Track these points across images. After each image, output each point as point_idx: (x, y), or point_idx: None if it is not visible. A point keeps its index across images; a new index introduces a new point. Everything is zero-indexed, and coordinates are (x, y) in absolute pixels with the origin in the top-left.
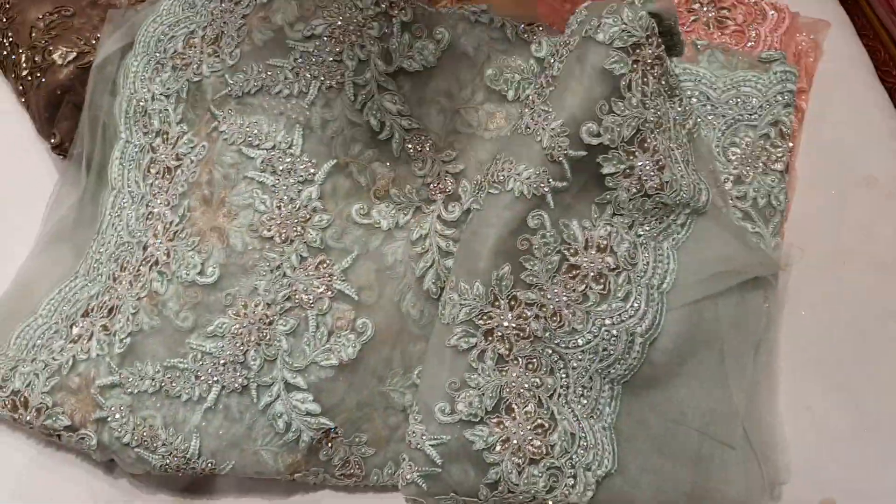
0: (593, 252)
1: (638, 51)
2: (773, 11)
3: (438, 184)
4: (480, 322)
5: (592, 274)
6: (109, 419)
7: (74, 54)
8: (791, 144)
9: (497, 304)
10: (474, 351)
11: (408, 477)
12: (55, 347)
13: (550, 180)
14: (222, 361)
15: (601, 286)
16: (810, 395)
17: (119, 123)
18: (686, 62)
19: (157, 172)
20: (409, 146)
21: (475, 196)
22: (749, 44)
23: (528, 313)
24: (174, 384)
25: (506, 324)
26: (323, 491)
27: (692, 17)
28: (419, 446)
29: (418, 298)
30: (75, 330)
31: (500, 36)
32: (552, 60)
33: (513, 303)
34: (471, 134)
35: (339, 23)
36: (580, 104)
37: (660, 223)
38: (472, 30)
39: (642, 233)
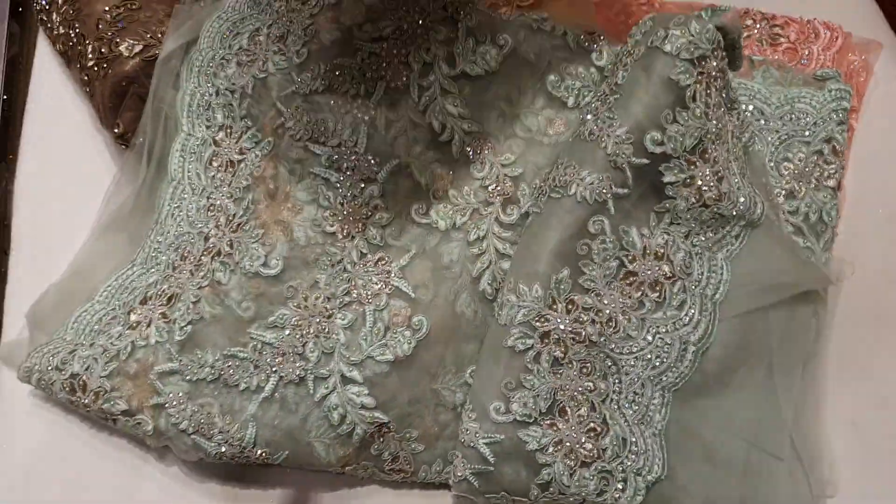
0: (651, 259)
1: (703, 63)
2: (826, 30)
3: (497, 186)
4: (537, 324)
5: (649, 281)
6: (167, 405)
7: (140, 46)
8: (843, 162)
9: (554, 307)
10: (530, 352)
11: (459, 474)
12: (113, 333)
13: (612, 186)
14: (281, 352)
15: (657, 293)
16: (855, 410)
17: (181, 117)
18: (741, 77)
19: (220, 165)
20: (469, 149)
21: (535, 200)
22: (802, 61)
23: (585, 318)
24: (233, 373)
25: (562, 327)
26: (370, 486)
27: (745, 34)
28: (473, 444)
29: (473, 299)
30: (133, 317)
31: (561, 44)
32: (616, 69)
33: (570, 306)
34: (529, 139)
35: (406, 26)
36: (645, 112)
37: (715, 234)
38: (534, 37)
39: (698, 243)
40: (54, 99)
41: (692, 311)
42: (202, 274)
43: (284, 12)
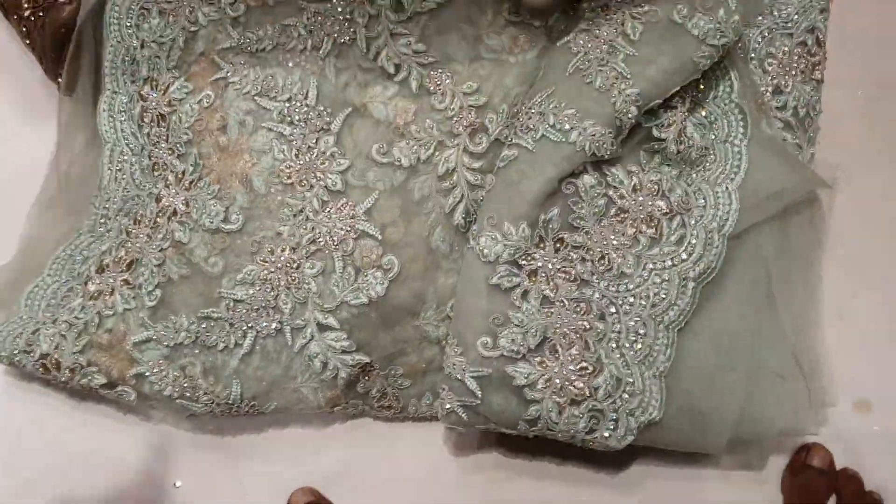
0: (643, 195)
1: (724, 49)
2: None
3: (461, 116)
4: (524, 262)
5: (643, 217)
6: (147, 374)
7: None
8: (825, 52)
9: (542, 245)
10: (517, 290)
11: (447, 406)
12: (74, 306)
13: (613, 142)
14: (255, 307)
15: (652, 229)
16: (841, 298)
17: (104, 74)
18: None
19: (151, 121)
20: (428, 81)
21: (513, 131)
22: None
23: (574, 255)
24: (209, 334)
25: (550, 265)
26: (363, 419)
27: None
28: (460, 377)
29: (448, 233)
30: (92, 286)
31: None
32: (622, 19)
33: (558, 245)
34: (495, 59)
35: None
36: (659, 82)
37: (715, 168)
38: None
39: (694, 180)
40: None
41: (692, 246)
42: (161, 235)
43: None
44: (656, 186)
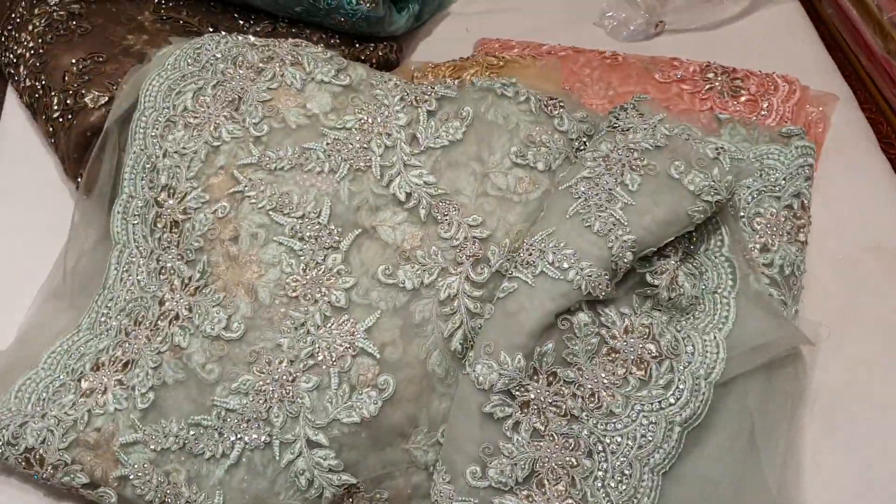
0: (634, 337)
1: (718, 205)
2: (784, 83)
3: (465, 247)
4: (518, 393)
5: (633, 358)
6: (132, 476)
7: (106, 98)
8: (810, 217)
9: (536, 377)
10: (509, 421)
11: None
12: (65, 402)
13: (608, 285)
14: (245, 418)
15: (642, 371)
16: (819, 452)
17: (123, 178)
18: (709, 134)
19: (164, 226)
20: (436, 212)
21: (514, 265)
22: (762, 113)
23: (566, 391)
24: (198, 441)
25: (542, 398)
26: None
27: (707, 86)
28: None
29: (444, 357)
30: (85, 384)
31: (525, 108)
32: (622, 170)
33: (551, 378)
34: (500, 196)
35: (367, 117)
36: (654, 231)
37: (704, 317)
38: (500, 102)
39: (683, 327)
40: (21, 150)
41: (680, 391)
42: (160, 338)
43: (230, 77)
44: (647, 330)
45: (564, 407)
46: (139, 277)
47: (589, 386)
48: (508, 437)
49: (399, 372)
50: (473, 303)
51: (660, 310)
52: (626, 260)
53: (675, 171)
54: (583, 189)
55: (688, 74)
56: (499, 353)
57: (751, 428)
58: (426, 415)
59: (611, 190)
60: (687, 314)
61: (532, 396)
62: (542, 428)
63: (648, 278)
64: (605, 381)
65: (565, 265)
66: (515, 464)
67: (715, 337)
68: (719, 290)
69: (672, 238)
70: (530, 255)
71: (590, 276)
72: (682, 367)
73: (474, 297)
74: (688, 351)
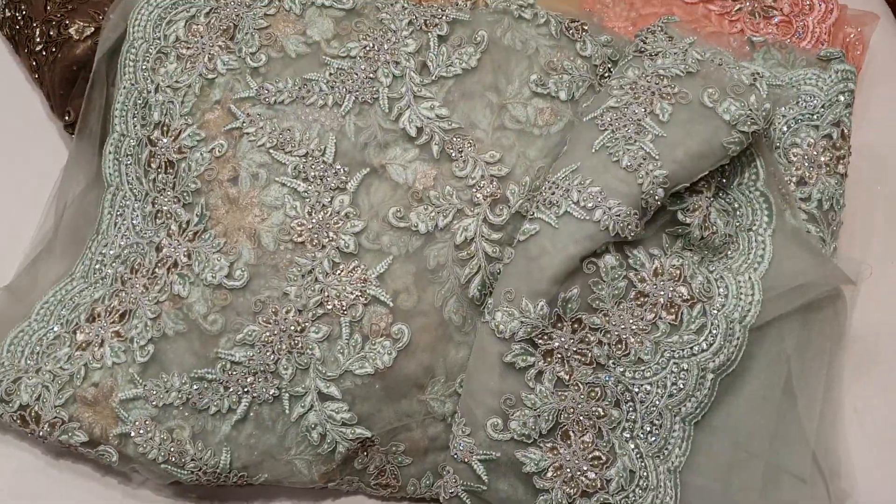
0: (664, 280)
1: (755, 135)
2: (820, 3)
3: (483, 186)
4: (540, 342)
5: (663, 302)
6: (133, 434)
7: (92, 29)
8: (850, 146)
9: (560, 325)
10: (532, 370)
11: (451, 490)
12: (60, 356)
13: (637, 223)
14: (252, 371)
15: (672, 316)
16: (857, 397)
17: (114, 115)
18: (741, 59)
19: (158, 167)
20: (450, 148)
21: (535, 204)
22: (796, 35)
23: (592, 338)
24: (202, 396)
25: (567, 346)
26: (357, 497)
27: (737, 6)
28: (466, 460)
29: (462, 304)
30: (80, 336)
31: (545, 32)
32: (652, 98)
33: (576, 325)
34: (519, 130)
35: (373, 44)
36: (687, 165)
37: (738, 257)
38: (518, 25)
39: (716, 268)
40: (3, 87)
41: (713, 336)
42: (158, 287)
43: (227, 2)
44: (678, 271)
45: (590, 355)
46: (134, 222)
47: (616, 332)
48: (531, 388)
49: (414, 320)
50: (492, 246)
51: (691, 249)
52: (657, 197)
53: (709, 99)
54: (609, 119)
55: None
56: (520, 299)
57: (787, 374)
58: (443, 364)
59: (639, 121)
60: (720, 254)
61: (556, 345)
62: (567, 377)
63: (680, 216)
64: (633, 326)
65: (591, 204)
66: (539, 415)
67: (750, 278)
68: (754, 228)
69: (706, 172)
70: (553, 193)
71: (618, 215)
72: (715, 311)
73: (493, 241)
74: (721, 293)
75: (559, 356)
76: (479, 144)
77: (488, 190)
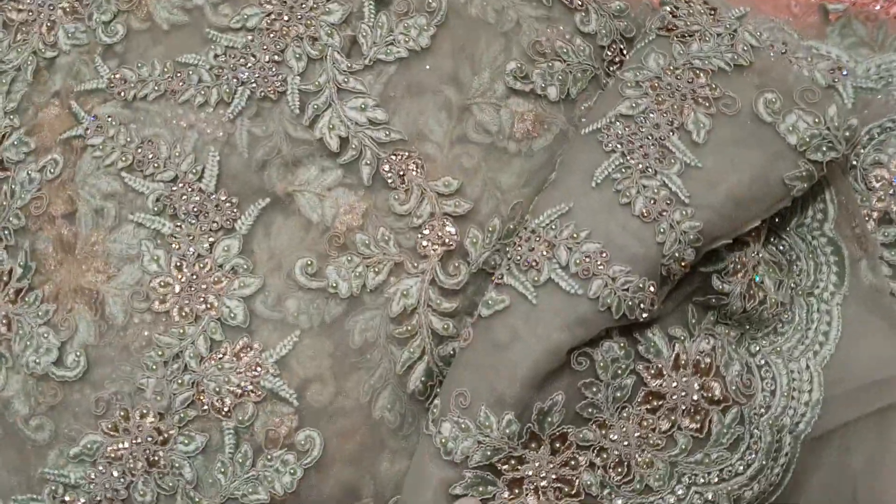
0: (688, 374)
1: (830, 166)
2: None
3: (432, 229)
4: (505, 468)
5: (685, 407)
6: None
7: None
8: None
9: (535, 445)
10: None
11: None
12: None
13: (654, 301)
14: (95, 500)
15: (697, 424)
16: None
17: None
18: (813, 38)
19: None
20: (387, 169)
21: (506, 265)
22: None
23: (581, 459)
24: None
25: (544, 473)
26: None
27: None
28: None
29: (398, 398)
30: None
31: None
32: (682, 104)
33: (558, 444)
34: (488, 145)
35: (280, 10)
36: (730, 213)
37: (792, 334)
38: None
39: (759, 349)
40: None
41: (753, 453)
42: None
43: None
44: (708, 361)
45: (577, 483)
46: None
47: (616, 451)
48: None
49: (329, 423)
50: (442, 321)
51: (727, 323)
52: (684, 261)
53: (766, 109)
54: (619, 135)
55: None
56: (477, 408)
57: (851, 499)
58: (371, 483)
59: (663, 140)
60: (766, 328)
61: (528, 472)
62: None
63: (716, 282)
64: (641, 442)
65: (586, 270)
66: None
67: (808, 366)
68: (816, 291)
69: (756, 224)
70: (532, 249)
71: (626, 289)
72: (756, 416)
73: (443, 313)
74: (766, 388)
75: (531, 486)
76: (429, 165)
77: (439, 235)
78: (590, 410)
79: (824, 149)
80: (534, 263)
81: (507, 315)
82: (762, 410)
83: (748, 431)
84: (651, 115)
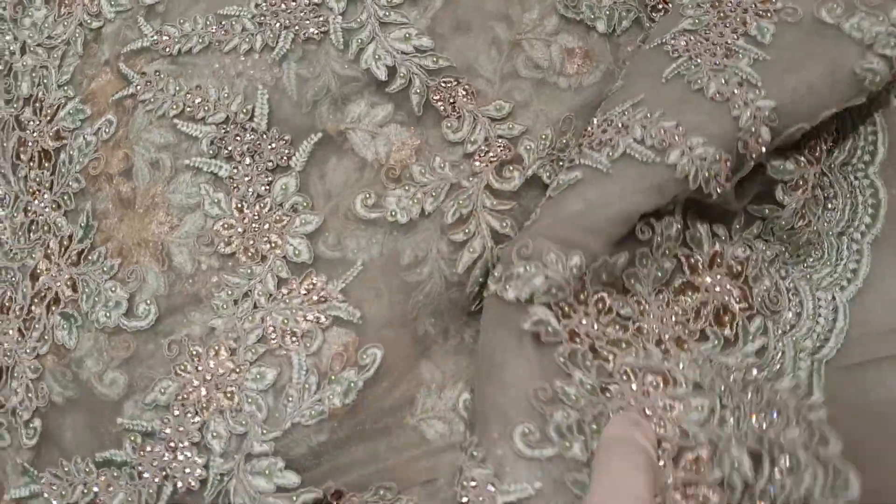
0: (720, 274)
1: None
2: None
3: (487, 152)
4: (558, 310)
5: (715, 304)
6: None
7: None
8: None
9: (583, 298)
10: (561, 347)
11: None
12: None
13: (729, 177)
14: (171, 444)
15: (727, 328)
16: None
17: None
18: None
19: (31, 159)
20: (437, 97)
21: (576, 152)
22: None
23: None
24: (111, 489)
25: (592, 334)
26: None
27: None
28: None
29: (441, 316)
30: None
31: None
32: (742, 14)
33: (600, 306)
34: (538, 80)
35: None
36: (804, 96)
37: (820, 267)
38: None
39: (791, 273)
40: None
41: (776, 363)
42: (38, 334)
43: None
44: (739, 268)
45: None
46: (2, 237)
47: (656, 329)
48: (566, 373)
49: (382, 337)
50: (499, 220)
51: (767, 240)
52: (760, 139)
53: (830, 14)
54: (683, 44)
55: None
56: (545, 250)
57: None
58: (422, 391)
59: (729, 44)
60: (799, 256)
61: (580, 329)
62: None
63: (779, 194)
64: (674, 329)
65: (664, 142)
66: (583, 418)
67: (835, 298)
68: (850, 231)
69: (834, 110)
70: (604, 132)
71: (703, 158)
72: (779, 332)
73: (500, 212)
74: (792, 309)
75: (586, 340)
76: (479, 97)
77: (494, 153)
78: (632, 282)
79: (892, 43)
80: (608, 141)
81: (579, 187)
82: (787, 327)
83: (771, 343)
84: (714, 27)
